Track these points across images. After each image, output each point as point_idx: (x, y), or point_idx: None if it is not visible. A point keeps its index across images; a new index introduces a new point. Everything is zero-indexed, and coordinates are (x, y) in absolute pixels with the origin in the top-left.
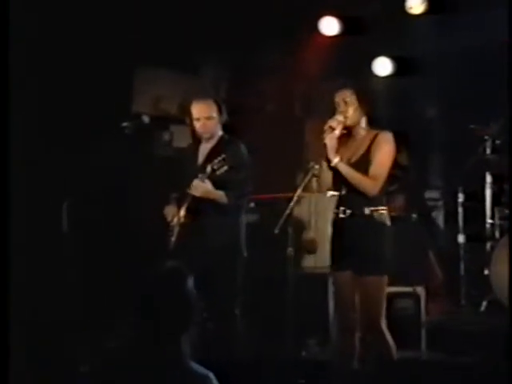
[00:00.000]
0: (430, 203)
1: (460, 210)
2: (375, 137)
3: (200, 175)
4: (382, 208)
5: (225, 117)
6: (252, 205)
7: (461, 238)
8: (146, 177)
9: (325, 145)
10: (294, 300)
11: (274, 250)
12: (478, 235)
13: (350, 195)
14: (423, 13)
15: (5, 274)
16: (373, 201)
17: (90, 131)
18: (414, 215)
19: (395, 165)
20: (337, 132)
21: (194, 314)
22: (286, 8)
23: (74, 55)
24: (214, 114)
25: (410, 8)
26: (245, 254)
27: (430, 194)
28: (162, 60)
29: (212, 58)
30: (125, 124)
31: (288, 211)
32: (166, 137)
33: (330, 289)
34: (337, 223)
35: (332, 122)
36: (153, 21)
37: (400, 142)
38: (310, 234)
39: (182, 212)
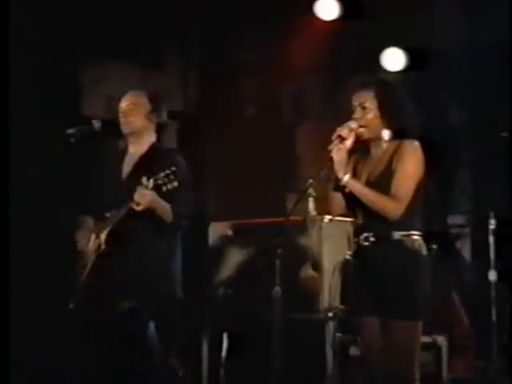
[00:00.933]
0: (455, 231)
1: (491, 239)
2: (397, 147)
3: (144, 180)
4: (416, 232)
5: (162, 117)
6: (229, 232)
7: (492, 275)
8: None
9: (331, 159)
10: (280, 353)
11: (256, 290)
12: None
13: (371, 219)
14: None
15: None
16: (402, 224)
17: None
18: (435, 246)
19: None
20: (348, 143)
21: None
22: None
23: None
24: (141, 104)
25: None
26: (180, 295)
27: (455, 220)
28: (116, 53)
29: (179, 48)
30: (70, 131)
31: (275, 240)
32: (122, 145)
33: (328, 339)
34: (358, 254)
35: (342, 130)
36: (101, 6)
37: None
38: (308, 271)
39: (103, 237)
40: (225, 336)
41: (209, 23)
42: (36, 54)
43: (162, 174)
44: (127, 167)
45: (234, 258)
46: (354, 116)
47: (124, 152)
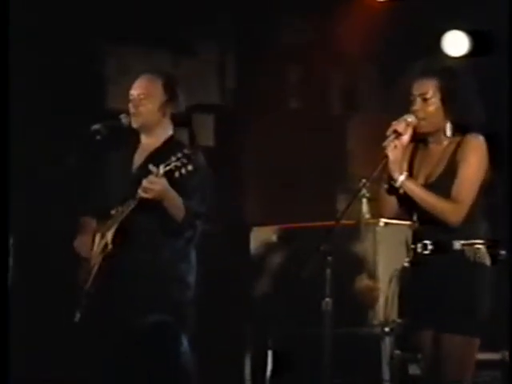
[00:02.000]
0: None
1: None
2: (459, 143)
3: (152, 168)
4: (479, 241)
5: (179, 106)
6: (273, 238)
7: None
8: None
9: (386, 156)
10: (330, 373)
11: (304, 302)
12: None
13: (429, 225)
14: None
15: None
16: (464, 231)
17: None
18: (503, 252)
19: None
20: (405, 138)
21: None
22: None
23: None
24: (155, 93)
25: None
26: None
27: None
28: (144, 39)
29: (215, 34)
30: (96, 126)
31: (324, 246)
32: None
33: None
34: (415, 263)
35: (398, 125)
36: None
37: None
38: (365, 280)
39: (110, 236)
40: (269, 354)
41: (248, 6)
42: (54, 42)
43: (173, 158)
44: (138, 160)
45: (279, 266)
46: (414, 108)
47: (136, 144)
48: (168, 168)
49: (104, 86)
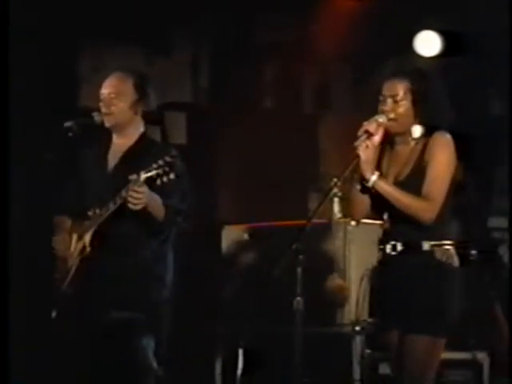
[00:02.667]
0: (496, 235)
1: None
2: (427, 141)
3: (133, 176)
4: (448, 242)
5: (151, 104)
6: (245, 236)
7: None
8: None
9: (358, 156)
10: (301, 372)
11: (275, 301)
12: None
13: (399, 224)
14: None
15: None
16: (434, 232)
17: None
18: (473, 252)
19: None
20: (376, 139)
21: None
22: None
23: None
24: (126, 92)
25: None
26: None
27: (496, 222)
28: (118, 37)
29: (189, 34)
30: (68, 124)
31: (296, 245)
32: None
33: (356, 356)
34: (384, 263)
35: (369, 125)
36: None
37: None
38: (336, 279)
39: (88, 238)
40: (240, 353)
41: (221, 4)
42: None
43: (154, 165)
44: (113, 160)
45: (251, 264)
46: (384, 108)
47: (108, 144)
48: (149, 175)
49: (78, 85)
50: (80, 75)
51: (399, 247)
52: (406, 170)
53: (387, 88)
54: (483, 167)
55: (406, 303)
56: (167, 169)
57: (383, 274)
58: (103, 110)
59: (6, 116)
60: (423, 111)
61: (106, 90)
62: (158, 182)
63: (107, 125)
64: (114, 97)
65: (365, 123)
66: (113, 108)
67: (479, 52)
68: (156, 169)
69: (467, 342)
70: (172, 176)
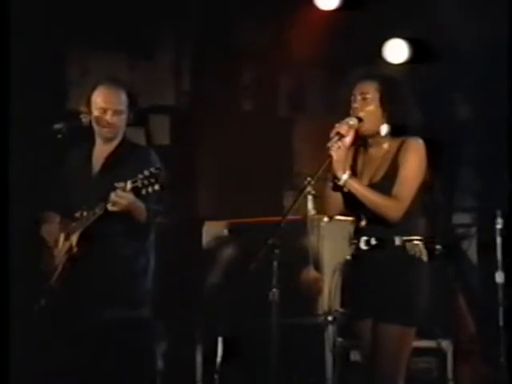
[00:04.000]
0: (460, 231)
1: (498, 239)
2: (400, 146)
3: (119, 184)
4: (417, 238)
5: (134, 115)
6: (224, 232)
7: (499, 277)
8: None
9: (330, 156)
10: (277, 359)
11: (252, 292)
12: None
13: (372, 221)
14: None
15: None
16: (404, 228)
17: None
18: (439, 247)
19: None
20: (347, 140)
21: None
22: None
23: None
24: (124, 108)
25: None
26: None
27: (460, 219)
28: (104, 43)
29: (171, 38)
30: (58, 126)
31: (272, 240)
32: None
33: (328, 344)
34: (357, 257)
35: (341, 127)
36: None
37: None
38: (311, 272)
39: (75, 239)
40: (219, 341)
41: (202, 12)
42: (18, 45)
43: (140, 176)
44: (97, 163)
45: (229, 258)
46: (354, 105)
47: (91, 145)
48: (135, 185)
49: (65, 87)
50: (68, 79)
51: (373, 242)
52: (380, 173)
53: (358, 88)
54: (447, 168)
55: (379, 294)
56: (153, 180)
57: (356, 267)
58: (102, 123)
59: None
60: (391, 111)
61: (104, 104)
62: (144, 191)
63: (108, 135)
64: (114, 114)
65: (336, 125)
66: (113, 122)
67: (445, 59)
68: (142, 179)
69: (432, 331)
70: (156, 187)
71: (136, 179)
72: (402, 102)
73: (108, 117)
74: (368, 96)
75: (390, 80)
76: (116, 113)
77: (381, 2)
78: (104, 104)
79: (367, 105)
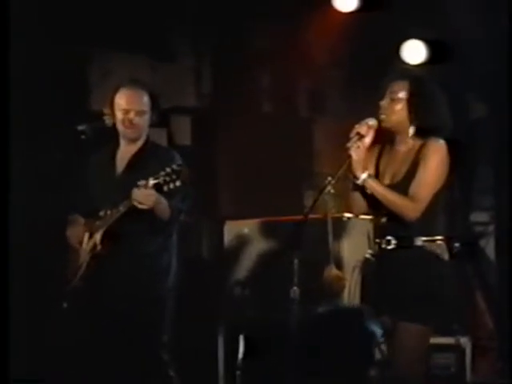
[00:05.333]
0: (478, 229)
1: None
2: (422, 146)
3: (142, 182)
4: (439, 238)
5: (156, 116)
6: (246, 231)
7: None
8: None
9: (350, 156)
10: (299, 355)
11: (274, 290)
12: None
13: (394, 220)
14: None
15: None
16: (425, 228)
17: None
18: (457, 244)
19: None
20: (367, 140)
21: None
22: None
23: None
24: (145, 110)
25: None
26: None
27: (478, 217)
28: (127, 46)
29: (192, 41)
30: (82, 127)
31: (292, 239)
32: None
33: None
34: (379, 256)
35: (360, 128)
36: None
37: None
38: (333, 269)
39: (98, 237)
40: (241, 338)
41: (223, 12)
42: (39, 48)
43: (162, 173)
44: (121, 164)
45: (251, 257)
46: (382, 103)
47: (116, 147)
48: (157, 181)
49: (88, 89)
50: (91, 80)
51: (393, 242)
52: (402, 172)
53: (390, 87)
54: (465, 167)
55: (400, 293)
56: (174, 176)
57: (378, 266)
58: (126, 123)
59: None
60: (419, 113)
61: (127, 105)
62: (165, 188)
63: (132, 136)
64: (137, 114)
65: (356, 126)
66: (135, 123)
67: (461, 59)
68: (163, 176)
69: (451, 328)
70: (178, 183)
71: (158, 176)
72: (431, 102)
73: (131, 117)
74: (398, 96)
75: (419, 81)
76: (139, 113)
77: (398, 4)
78: (127, 105)
79: (395, 104)
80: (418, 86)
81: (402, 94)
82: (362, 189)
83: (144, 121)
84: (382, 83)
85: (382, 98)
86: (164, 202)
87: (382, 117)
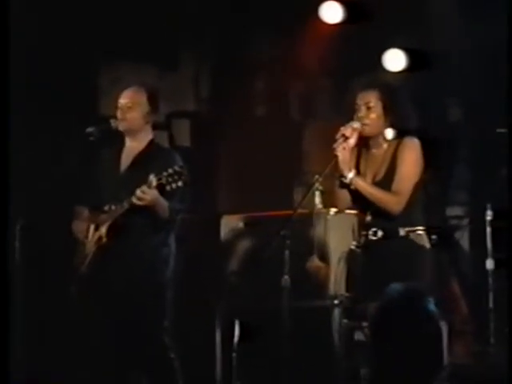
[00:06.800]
0: (453, 222)
1: (488, 230)
2: (398, 145)
3: (150, 178)
4: (420, 228)
5: (158, 116)
6: (240, 225)
7: (489, 264)
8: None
9: (336, 156)
10: (288, 339)
11: (266, 279)
12: (510, 260)
13: (378, 214)
14: None
15: None
16: (407, 218)
17: (48, 139)
18: (434, 237)
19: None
20: (351, 141)
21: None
22: None
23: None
24: (140, 104)
25: None
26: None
27: (453, 211)
28: (131, 55)
29: (191, 51)
30: (90, 129)
31: (283, 232)
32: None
33: (334, 325)
34: (366, 246)
35: (345, 130)
36: (119, 10)
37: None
38: (315, 261)
39: (104, 230)
40: (236, 323)
41: (220, 26)
42: (54, 56)
43: (165, 173)
44: (125, 162)
45: (245, 248)
46: (359, 115)
47: (121, 146)
48: (160, 182)
49: (98, 95)
50: (100, 87)
51: (379, 233)
52: (382, 171)
53: (361, 98)
54: (442, 165)
55: (386, 280)
56: (176, 177)
57: (364, 255)
58: (119, 116)
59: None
60: (392, 117)
61: (123, 100)
62: (168, 188)
63: (120, 129)
64: (130, 106)
65: (342, 128)
66: (127, 116)
67: (439, 66)
68: (166, 177)
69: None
70: (180, 184)
71: (161, 176)
72: (401, 107)
73: (124, 110)
74: (371, 104)
75: (389, 88)
76: (131, 107)
77: (381, 16)
78: (122, 99)
79: (371, 113)
80: (389, 93)
81: (375, 103)
82: (347, 186)
83: (137, 115)
84: (352, 93)
85: (353, 106)
86: (164, 202)
87: (362, 126)
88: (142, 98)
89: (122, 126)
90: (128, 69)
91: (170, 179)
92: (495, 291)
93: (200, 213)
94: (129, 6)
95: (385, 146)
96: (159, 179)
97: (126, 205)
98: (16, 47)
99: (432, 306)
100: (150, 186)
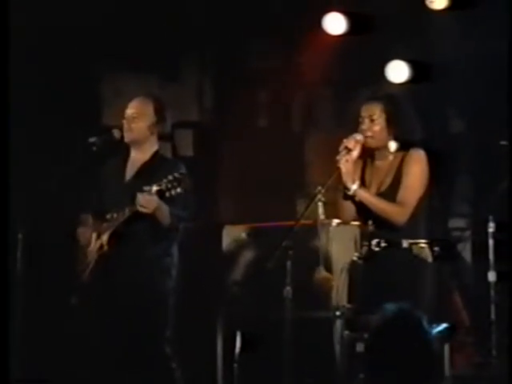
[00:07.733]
0: (455, 234)
1: (491, 242)
2: (404, 157)
3: (146, 187)
4: (423, 241)
5: (165, 127)
6: (243, 235)
7: (491, 276)
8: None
9: (338, 169)
10: (290, 350)
11: (268, 290)
12: None
13: (381, 225)
14: (446, 8)
15: None
16: (411, 230)
17: (52, 148)
18: (436, 248)
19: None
20: (354, 154)
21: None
22: (282, 2)
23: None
24: (147, 114)
25: (431, 2)
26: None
27: (455, 223)
28: (137, 66)
29: (193, 62)
30: (92, 139)
31: (286, 242)
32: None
33: (336, 336)
34: (368, 257)
35: (348, 142)
36: (122, 21)
37: None
38: (322, 272)
39: (105, 238)
40: (238, 334)
41: (223, 36)
42: (57, 67)
43: (164, 180)
44: (130, 172)
45: (248, 259)
46: (363, 127)
47: (126, 157)
48: (159, 188)
49: (100, 106)
50: (104, 98)
51: (382, 244)
52: (387, 182)
53: (365, 110)
54: (445, 177)
55: (389, 291)
56: (176, 184)
57: (367, 266)
58: (125, 126)
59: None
60: (396, 129)
61: (129, 111)
62: (167, 194)
63: (126, 140)
64: (136, 117)
65: (345, 140)
66: (133, 126)
67: (441, 78)
68: (166, 183)
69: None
70: (179, 190)
71: (160, 183)
72: (405, 119)
73: (129, 120)
74: (374, 117)
75: (392, 100)
76: (136, 118)
77: (384, 27)
78: (128, 110)
79: (374, 125)
80: (393, 105)
81: (378, 115)
82: (351, 198)
83: (143, 125)
84: (355, 104)
85: (357, 119)
86: (166, 208)
87: (366, 138)
88: (149, 109)
89: (127, 137)
90: (130, 79)
91: (169, 185)
92: (497, 303)
93: (202, 222)
94: (131, 16)
95: (390, 157)
96: (159, 185)
97: (127, 212)
98: (16, 47)
99: (428, 329)
100: (150, 192)
